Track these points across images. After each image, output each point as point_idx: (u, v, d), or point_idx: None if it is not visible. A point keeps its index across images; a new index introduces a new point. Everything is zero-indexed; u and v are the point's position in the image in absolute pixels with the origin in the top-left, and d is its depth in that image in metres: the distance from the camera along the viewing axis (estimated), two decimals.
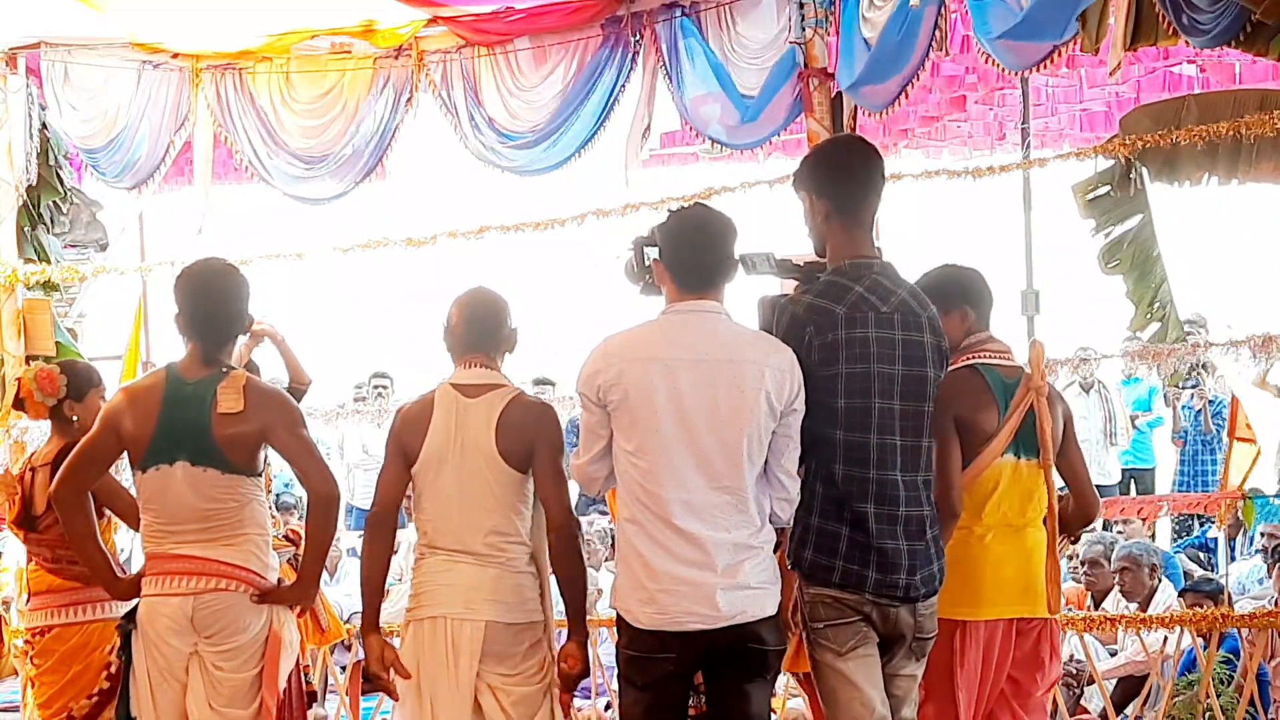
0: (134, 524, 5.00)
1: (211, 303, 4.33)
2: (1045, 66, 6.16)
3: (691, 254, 3.85)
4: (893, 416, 3.81)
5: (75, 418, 5.19)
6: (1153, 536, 9.86)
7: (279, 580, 4.43)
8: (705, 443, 3.74)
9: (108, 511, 5.09)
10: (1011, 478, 4.43)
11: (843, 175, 3.91)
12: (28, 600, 5.39)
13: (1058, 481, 4.59)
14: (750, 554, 3.78)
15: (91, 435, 4.42)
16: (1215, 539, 9.32)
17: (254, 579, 4.30)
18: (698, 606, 3.73)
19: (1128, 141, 6.95)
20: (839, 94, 7.09)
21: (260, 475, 4.37)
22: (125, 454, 4.44)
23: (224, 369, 4.32)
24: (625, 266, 4.44)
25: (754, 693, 3.84)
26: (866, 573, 3.79)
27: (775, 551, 3.94)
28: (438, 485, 4.23)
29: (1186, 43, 5.81)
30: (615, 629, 3.97)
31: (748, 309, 4.27)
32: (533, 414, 4.26)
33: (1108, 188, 9.03)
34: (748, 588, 3.76)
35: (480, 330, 4.33)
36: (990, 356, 4.43)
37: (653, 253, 4.12)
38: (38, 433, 7.40)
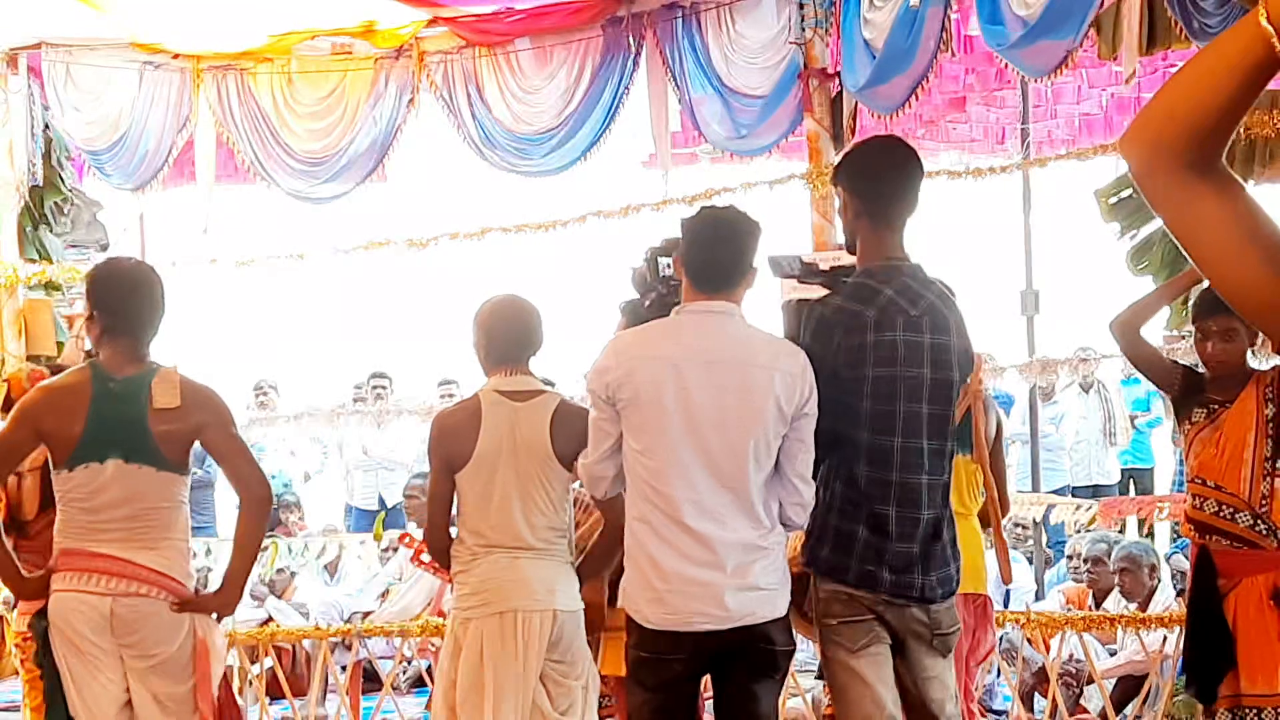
0: None
1: (140, 299, 4.28)
2: (1062, 71, 6.18)
3: (709, 253, 3.83)
4: (919, 420, 3.80)
5: None
6: (1151, 536, 9.85)
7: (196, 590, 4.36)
8: (712, 444, 3.74)
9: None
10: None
11: (875, 175, 3.88)
12: (14, 606, 5.35)
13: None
14: (760, 555, 3.77)
15: (4, 433, 4.32)
16: None
17: (175, 586, 4.21)
18: (707, 607, 3.73)
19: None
20: (839, 94, 7.11)
21: (189, 475, 4.31)
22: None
23: (154, 365, 4.27)
24: (634, 276, 4.43)
25: (761, 693, 3.84)
26: (881, 573, 3.78)
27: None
28: (492, 486, 4.30)
29: (1199, 47, 5.85)
30: (626, 629, 3.97)
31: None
32: (579, 419, 4.30)
33: (1130, 190, 9.04)
34: (757, 589, 3.76)
35: (524, 342, 4.42)
36: None
37: (667, 263, 4.14)
38: None
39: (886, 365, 3.77)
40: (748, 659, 3.81)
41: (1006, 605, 7.71)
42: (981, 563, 5.10)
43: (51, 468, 4.28)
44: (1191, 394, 4.59)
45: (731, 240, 3.84)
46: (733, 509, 3.76)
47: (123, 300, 4.27)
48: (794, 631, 3.97)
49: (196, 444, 4.32)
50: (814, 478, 3.88)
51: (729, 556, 3.73)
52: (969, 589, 4.83)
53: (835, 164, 4.06)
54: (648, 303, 4.44)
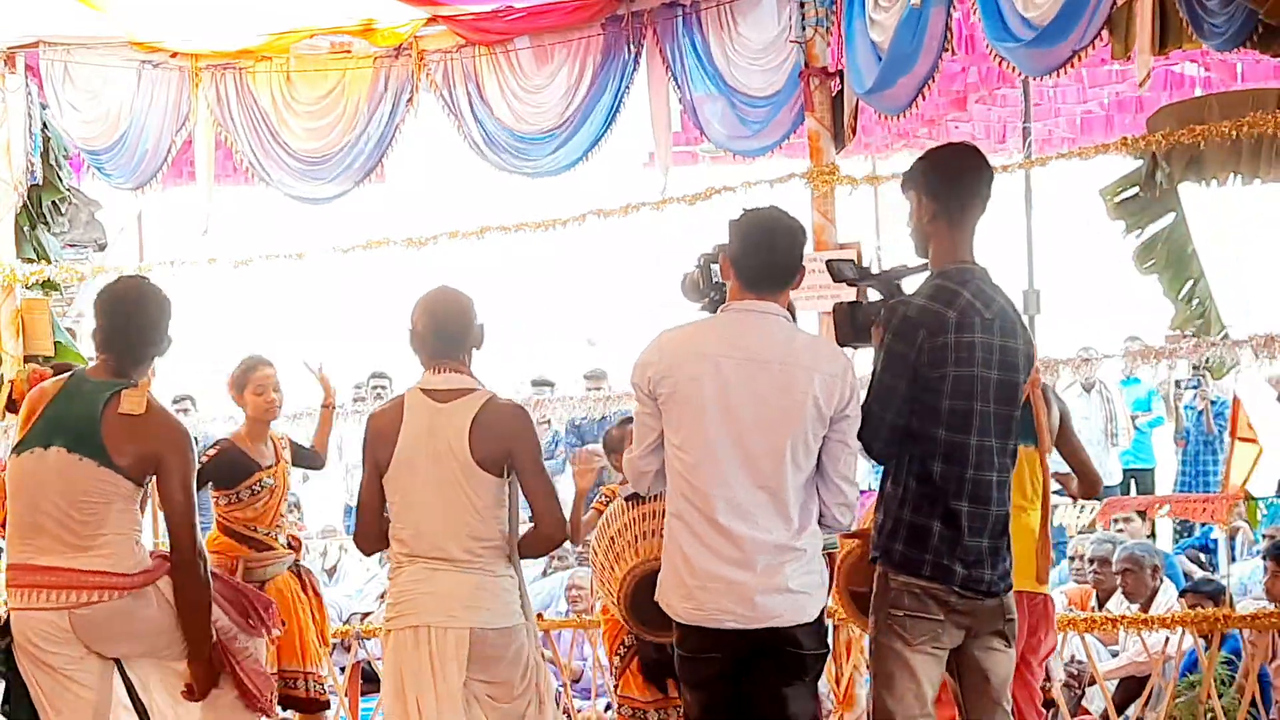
0: None
1: (129, 322, 4.29)
2: (1064, 71, 6.18)
3: (759, 254, 3.87)
4: (989, 419, 3.89)
5: None
6: (1152, 536, 9.84)
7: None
8: (751, 442, 3.76)
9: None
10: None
11: (954, 180, 3.98)
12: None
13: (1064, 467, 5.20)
14: (792, 556, 3.78)
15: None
16: (1217, 539, 9.30)
17: (125, 581, 4.17)
18: (734, 606, 3.75)
19: (1131, 141, 6.93)
20: (839, 93, 7.09)
21: (139, 487, 4.24)
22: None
23: (131, 381, 4.25)
24: (685, 282, 4.41)
25: (791, 695, 3.83)
26: (954, 568, 3.85)
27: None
28: (412, 492, 4.17)
29: (1203, 49, 5.85)
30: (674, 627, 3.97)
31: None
32: (507, 418, 4.19)
33: (1136, 189, 9.04)
34: (786, 590, 3.77)
35: (449, 335, 4.26)
36: None
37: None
38: None
39: (966, 365, 3.86)
40: (776, 661, 3.81)
41: None
42: (1044, 562, 5.03)
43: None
44: None
45: (784, 242, 3.89)
46: (767, 509, 3.77)
47: (108, 318, 4.32)
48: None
49: None
50: (886, 473, 3.96)
51: (759, 557, 3.75)
52: (1031, 588, 4.84)
53: (908, 169, 4.11)
54: (699, 308, 4.42)
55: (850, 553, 4.57)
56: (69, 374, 4.37)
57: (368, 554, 4.53)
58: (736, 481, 3.75)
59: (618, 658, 5.17)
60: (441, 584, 4.14)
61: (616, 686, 5.24)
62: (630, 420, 5.35)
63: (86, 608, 4.12)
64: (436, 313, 4.28)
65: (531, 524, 4.30)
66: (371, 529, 4.29)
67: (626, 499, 4.77)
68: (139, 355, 4.29)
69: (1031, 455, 4.85)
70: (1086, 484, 5.27)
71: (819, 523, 3.87)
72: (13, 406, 5.35)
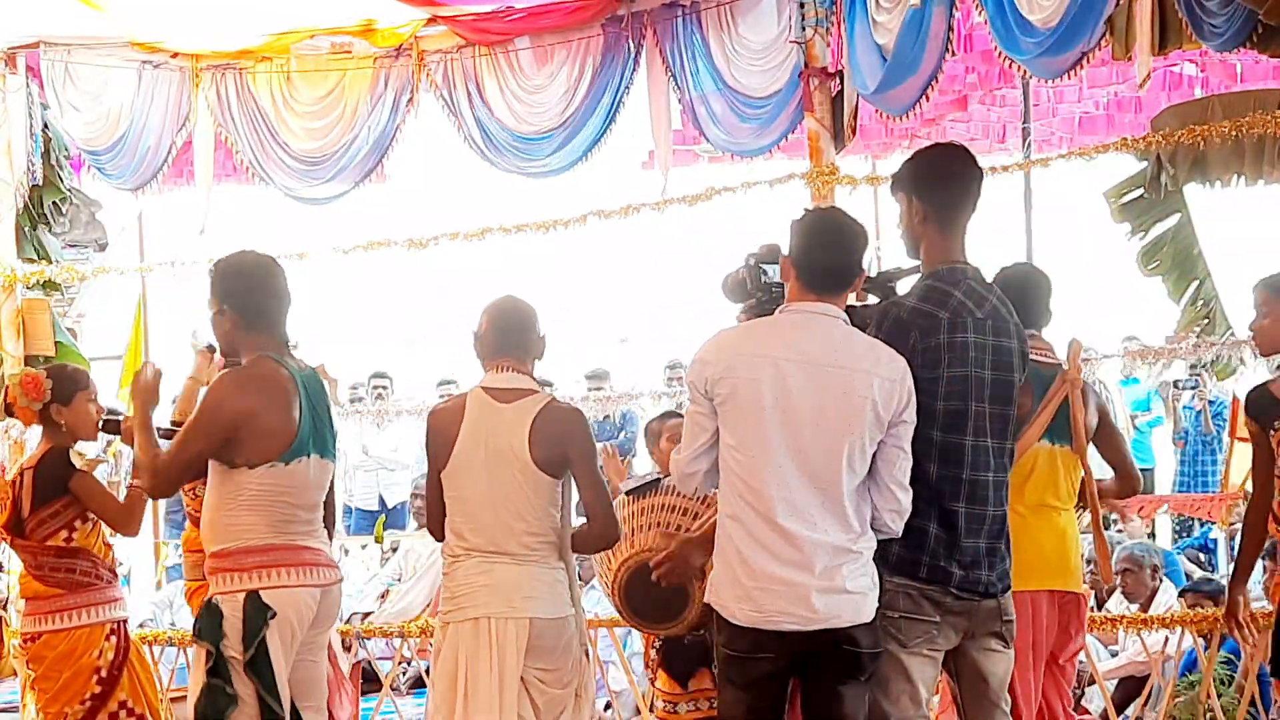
0: (125, 528, 5.05)
1: (279, 293, 4.36)
2: (1075, 73, 6.22)
3: (823, 254, 3.84)
4: (985, 419, 3.89)
5: (63, 422, 5.14)
6: (1153, 536, 9.85)
7: None
8: (809, 445, 3.74)
9: (92, 516, 5.06)
10: (1046, 462, 4.80)
11: (944, 181, 3.97)
12: (14, 605, 5.34)
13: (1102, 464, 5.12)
14: (849, 558, 3.77)
15: (201, 429, 4.18)
16: (1216, 539, 9.31)
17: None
18: (793, 607, 3.74)
19: (1132, 141, 6.95)
20: (839, 93, 7.11)
21: None
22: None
23: (314, 369, 4.39)
24: (729, 283, 4.39)
25: (846, 694, 3.82)
26: (951, 569, 3.85)
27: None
28: (470, 489, 4.28)
29: (1203, 49, 5.88)
30: (715, 627, 3.95)
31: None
32: (565, 422, 4.31)
33: (1140, 190, 9.05)
34: (844, 591, 3.76)
35: (508, 334, 4.37)
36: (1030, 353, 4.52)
37: (773, 271, 4.15)
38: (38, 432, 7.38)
39: (959, 366, 3.85)
40: (833, 661, 3.81)
41: None
42: (1076, 560, 4.99)
43: (240, 460, 4.19)
44: (1270, 410, 4.81)
45: (849, 243, 3.88)
46: (823, 511, 3.76)
47: (282, 296, 4.35)
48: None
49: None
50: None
51: (817, 558, 3.73)
52: (1061, 586, 4.83)
53: (897, 170, 4.10)
54: (742, 309, 4.41)
55: None
56: (281, 367, 4.24)
57: (441, 540, 4.59)
58: (794, 483, 3.74)
59: (654, 650, 5.20)
60: (500, 576, 4.26)
61: (654, 680, 5.27)
62: (669, 415, 5.42)
63: (334, 586, 4.34)
64: (499, 315, 4.41)
65: (585, 522, 4.42)
66: (440, 520, 4.42)
67: (627, 493, 4.80)
68: (286, 326, 4.37)
69: (1067, 455, 4.83)
70: (1123, 481, 5.18)
71: (870, 526, 3.86)
72: (9, 411, 5.30)
